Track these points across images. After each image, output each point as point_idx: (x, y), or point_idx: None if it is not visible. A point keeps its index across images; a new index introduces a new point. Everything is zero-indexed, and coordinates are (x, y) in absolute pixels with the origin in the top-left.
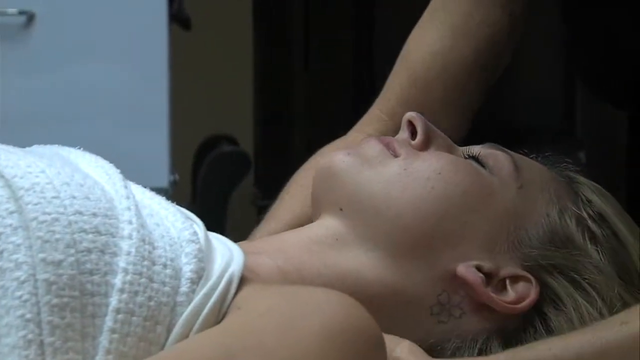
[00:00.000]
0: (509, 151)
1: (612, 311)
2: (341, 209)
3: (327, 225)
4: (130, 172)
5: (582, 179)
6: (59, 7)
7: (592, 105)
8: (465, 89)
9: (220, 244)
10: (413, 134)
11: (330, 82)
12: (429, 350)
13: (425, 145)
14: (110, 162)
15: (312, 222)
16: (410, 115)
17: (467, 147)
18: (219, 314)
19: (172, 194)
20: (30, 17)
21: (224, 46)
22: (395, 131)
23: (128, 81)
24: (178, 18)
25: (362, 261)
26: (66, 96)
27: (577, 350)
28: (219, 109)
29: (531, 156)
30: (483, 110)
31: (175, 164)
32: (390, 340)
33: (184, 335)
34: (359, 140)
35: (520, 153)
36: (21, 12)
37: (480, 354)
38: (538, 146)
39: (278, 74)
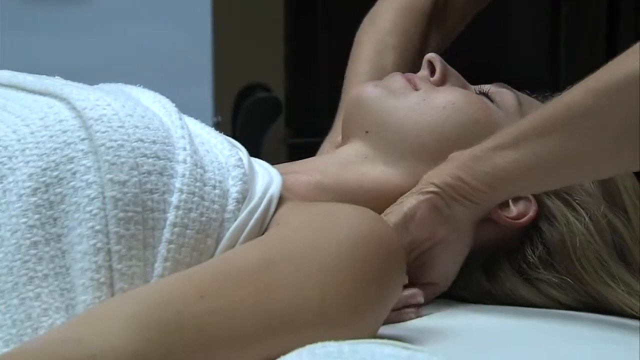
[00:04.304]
0: (514, 90)
1: (597, 227)
2: (367, 132)
3: (356, 147)
4: None
5: None
6: None
7: (575, 56)
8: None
9: (262, 168)
10: (432, 72)
11: (352, 40)
12: None
13: (442, 82)
14: None
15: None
16: (430, 55)
17: (479, 85)
18: (261, 229)
19: None
20: None
21: (257, 9)
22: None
23: (175, 39)
24: None
25: (388, 172)
26: (123, 52)
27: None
28: (255, 62)
29: (533, 96)
30: (475, 61)
31: (217, 109)
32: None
33: (231, 247)
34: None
35: (524, 93)
36: None
37: (487, 261)
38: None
39: (306, 31)
